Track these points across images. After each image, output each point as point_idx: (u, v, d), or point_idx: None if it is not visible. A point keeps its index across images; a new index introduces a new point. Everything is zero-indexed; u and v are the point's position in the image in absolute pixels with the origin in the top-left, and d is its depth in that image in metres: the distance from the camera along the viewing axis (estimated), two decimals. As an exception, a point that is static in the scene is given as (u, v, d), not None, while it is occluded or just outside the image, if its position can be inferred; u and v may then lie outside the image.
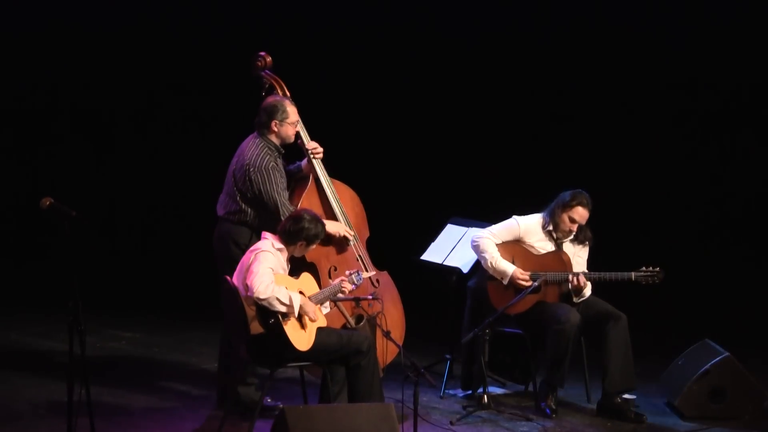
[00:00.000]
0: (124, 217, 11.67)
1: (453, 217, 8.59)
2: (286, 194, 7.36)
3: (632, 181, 11.19)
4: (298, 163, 7.69)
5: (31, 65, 11.29)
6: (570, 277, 7.75)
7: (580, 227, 7.85)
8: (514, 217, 7.95)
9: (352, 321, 7.31)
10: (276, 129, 7.38)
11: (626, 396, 7.87)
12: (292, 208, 7.26)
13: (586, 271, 7.89)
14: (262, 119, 7.41)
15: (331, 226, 7.38)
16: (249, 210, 7.32)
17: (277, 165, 7.36)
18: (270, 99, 7.51)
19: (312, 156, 7.57)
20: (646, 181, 11.25)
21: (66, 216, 6.08)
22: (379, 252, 7.79)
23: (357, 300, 7.23)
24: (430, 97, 11.31)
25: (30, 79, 11.34)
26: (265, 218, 7.28)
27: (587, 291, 7.88)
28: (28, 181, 11.44)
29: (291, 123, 7.41)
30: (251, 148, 7.34)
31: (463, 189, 11.07)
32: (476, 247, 7.89)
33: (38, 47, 11.26)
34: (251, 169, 7.26)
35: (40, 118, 11.51)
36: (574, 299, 7.84)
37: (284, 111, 7.38)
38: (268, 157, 7.31)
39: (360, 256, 7.63)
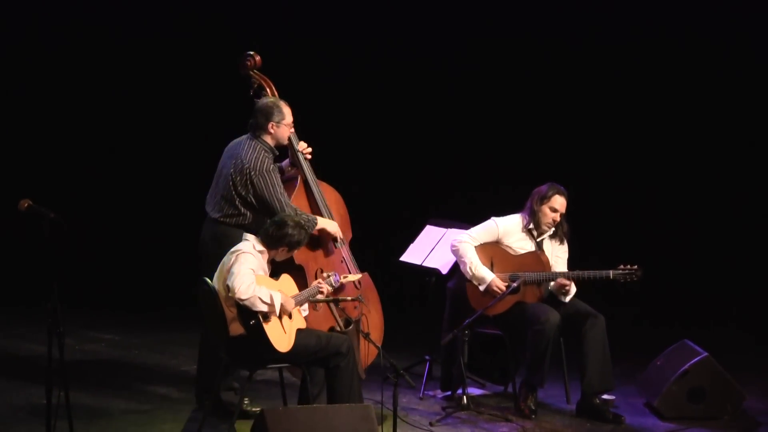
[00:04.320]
0: (104, 217, 11.62)
1: (432, 218, 8.59)
2: (286, 195, 7.35)
3: (610, 179, 11.21)
4: (279, 164, 7.68)
5: (24, 62, 11.29)
6: (557, 279, 7.76)
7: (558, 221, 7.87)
8: (493, 218, 7.95)
9: (341, 323, 7.31)
10: (273, 131, 7.33)
11: (605, 396, 7.90)
12: (295, 207, 7.24)
13: (566, 270, 7.92)
14: (258, 121, 7.34)
15: (330, 226, 7.38)
16: (248, 213, 7.25)
17: (275, 167, 7.35)
18: (265, 100, 7.46)
19: (303, 157, 7.56)
20: (625, 180, 11.27)
21: (44, 218, 6.06)
22: (358, 253, 7.78)
23: (336, 301, 7.21)
24: (408, 98, 11.31)
25: (19, 75, 11.33)
26: (263, 221, 7.24)
27: (572, 289, 7.87)
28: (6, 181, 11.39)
29: (287, 124, 7.37)
30: (248, 152, 7.26)
31: (442, 190, 11.08)
32: (455, 251, 7.89)
33: (28, 45, 11.25)
34: (252, 173, 7.19)
35: (21, 117, 11.48)
36: (564, 299, 7.85)
37: (281, 112, 7.34)
38: (267, 159, 7.26)
39: (344, 258, 7.62)
